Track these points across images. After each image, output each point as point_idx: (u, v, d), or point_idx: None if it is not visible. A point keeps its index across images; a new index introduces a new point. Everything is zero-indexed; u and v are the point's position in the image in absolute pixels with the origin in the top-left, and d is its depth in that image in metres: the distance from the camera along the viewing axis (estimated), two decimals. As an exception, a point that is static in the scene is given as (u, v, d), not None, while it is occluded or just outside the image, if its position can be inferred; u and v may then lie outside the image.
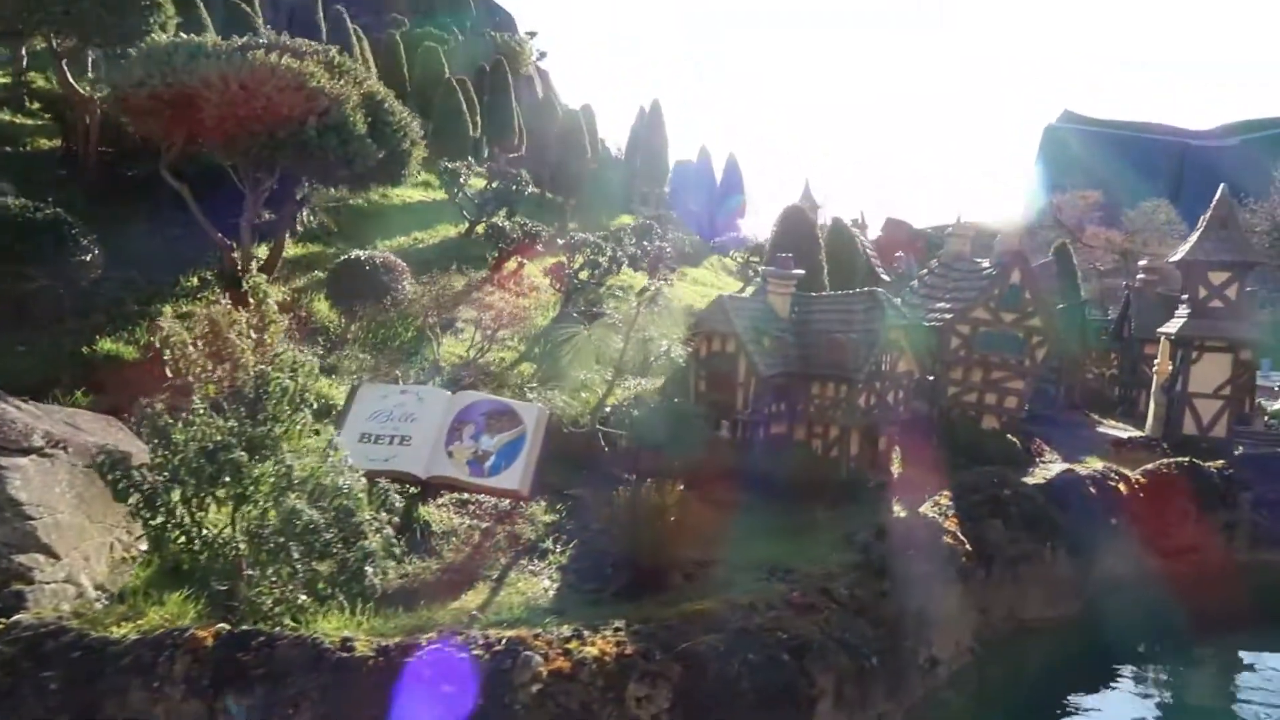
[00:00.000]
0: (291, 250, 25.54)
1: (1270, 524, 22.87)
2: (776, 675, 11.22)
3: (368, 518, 9.96)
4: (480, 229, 30.12)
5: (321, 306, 21.74)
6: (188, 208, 19.58)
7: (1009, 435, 24.67)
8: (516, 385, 20.98)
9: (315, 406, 13.10)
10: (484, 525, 15.08)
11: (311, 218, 25.63)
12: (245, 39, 19.98)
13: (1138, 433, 28.91)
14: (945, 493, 18.10)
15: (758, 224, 66.23)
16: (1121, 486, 20.98)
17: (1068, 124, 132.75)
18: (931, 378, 22.25)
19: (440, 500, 15.58)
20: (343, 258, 21.45)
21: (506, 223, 29.30)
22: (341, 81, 18.80)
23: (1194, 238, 27.25)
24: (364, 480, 11.03)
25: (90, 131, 22.47)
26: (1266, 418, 34.69)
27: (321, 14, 47.13)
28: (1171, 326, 27.38)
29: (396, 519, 11.39)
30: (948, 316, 23.98)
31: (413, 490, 15.38)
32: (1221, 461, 23.80)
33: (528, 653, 9.91)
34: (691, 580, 13.81)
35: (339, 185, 20.95)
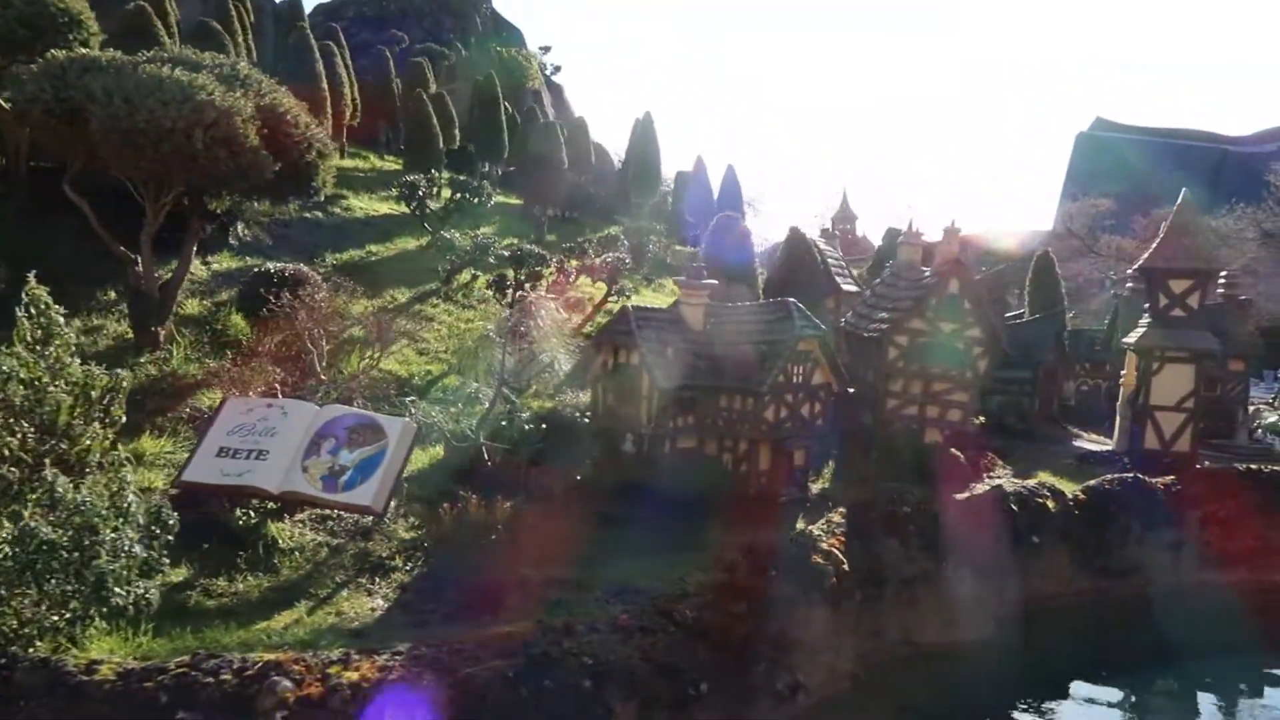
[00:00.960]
0: (229, 264, 25.61)
1: (1222, 543, 21.75)
2: (568, 703, 10.71)
3: (110, 536, 9.64)
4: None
5: (239, 320, 21.63)
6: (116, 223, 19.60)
7: (953, 449, 23.86)
8: (437, 398, 20.78)
9: (118, 422, 12.88)
10: (336, 542, 14.77)
11: (246, 231, 25.61)
12: (153, 52, 20.02)
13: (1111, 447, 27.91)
14: (840, 510, 17.39)
15: (771, 232, 65.76)
16: (1050, 504, 20.06)
17: (1100, 131, 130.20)
18: (851, 390, 21.48)
19: (300, 516, 15.30)
20: (254, 270, 21.31)
21: (456, 234, 29.10)
22: (238, 94, 18.68)
23: (1155, 244, 26.20)
24: (135, 498, 10.72)
25: (20, 147, 22.65)
26: (1259, 429, 33.36)
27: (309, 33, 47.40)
28: (1133, 336, 26.33)
29: (169, 536, 11.02)
30: (884, 327, 23.28)
31: (271, 506, 15.18)
32: (1171, 478, 22.69)
33: (276, 678, 9.52)
34: (532, 600, 13.36)
35: (238, 197, 20.75)
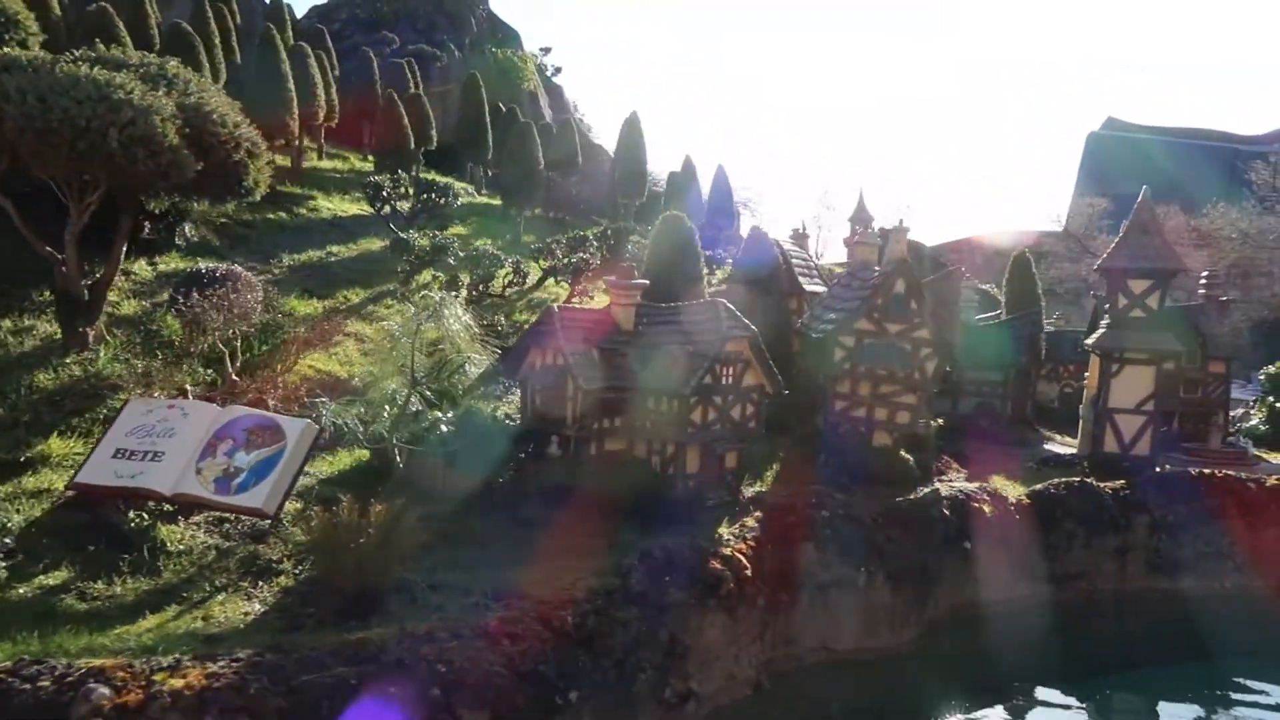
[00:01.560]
0: (178, 264, 25.55)
1: (1170, 549, 21.24)
2: (414, 712, 10.45)
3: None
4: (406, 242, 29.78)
5: (172, 321, 21.53)
6: (51, 223, 19.57)
7: (902, 452, 23.46)
8: (372, 399, 20.60)
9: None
10: (228, 545, 14.58)
11: (193, 231, 25.54)
12: (80, 52, 19.96)
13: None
14: (757, 514, 17.05)
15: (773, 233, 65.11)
16: (986, 508, 19.63)
17: (1112, 130, 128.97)
18: (787, 392, 21.09)
19: (196, 519, 15.14)
20: (187, 271, 21.22)
21: (415, 234, 28.96)
22: (160, 92, 18.58)
23: (1115, 243, 25.67)
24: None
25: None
26: (1238, 432, 32.67)
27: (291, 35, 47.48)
28: (1093, 337, 25.81)
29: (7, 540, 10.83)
30: (828, 328, 22.92)
31: (168, 508, 15.05)
32: (1121, 482, 22.17)
33: (93, 685, 9.32)
34: (411, 605, 13.13)
35: (177, 197, 20.65)
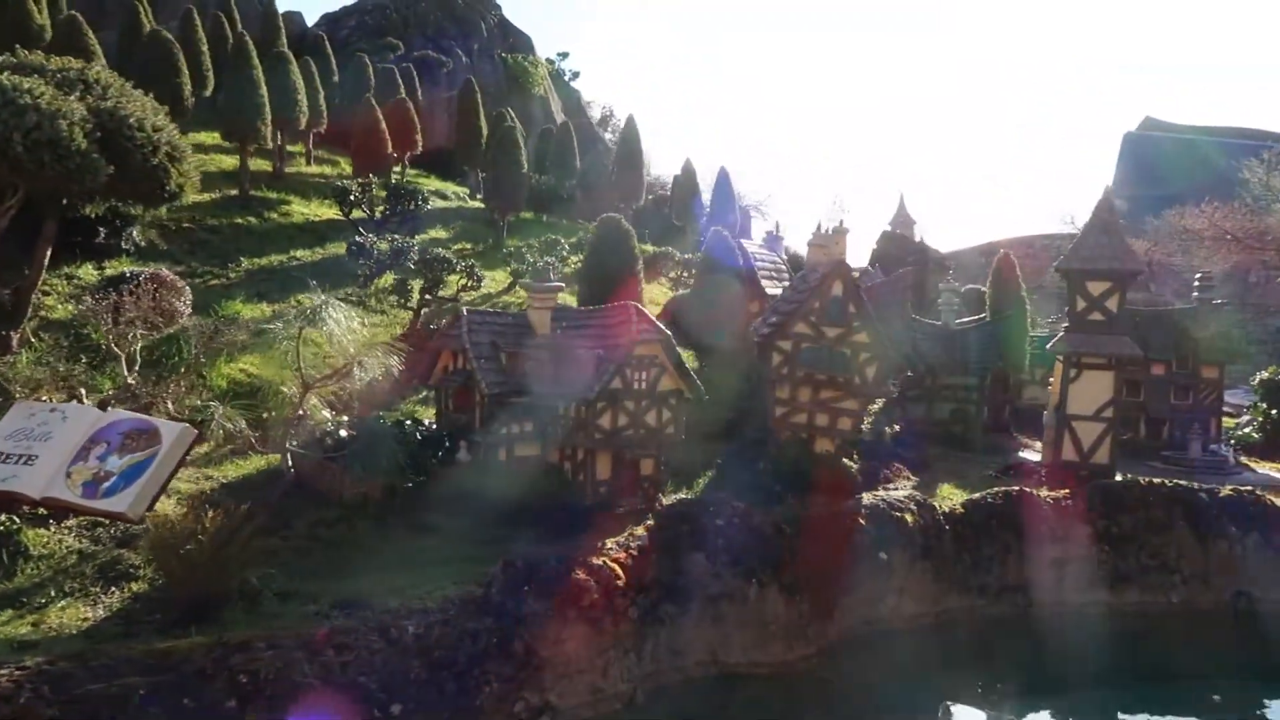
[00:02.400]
0: (127, 268, 25.70)
1: (1113, 562, 20.35)
2: (201, 724, 10.22)
3: None
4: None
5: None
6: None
7: (846, 459, 22.84)
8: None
9: None
10: (94, 549, 14.52)
11: (140, 236, 25.67)
12: (3, 58, 20.14)
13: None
14: (648, 521, 16.61)
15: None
16: (909, 518, 18.95)
17: (1150, 130, 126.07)
18: (707, 398, 20.60)
19: (70, 523, 15.10)
20: (108, 275, 21.32)
21: (372, 237, 28.92)
22: (72, 98, 18.67)
23: (1073, 243, 24.77)
24: None
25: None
26: (1230, 440, 31.35)
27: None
28: (1053, 341, 24.94)
29: None
30: (766, 331, 22.38)
31: (41, 512, 15.00)
32: (1065, 491, 21.32)
33: None
34: (250, 613, 12.93)
35: (90, 201, 20.77)
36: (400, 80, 45.90)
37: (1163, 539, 20.52)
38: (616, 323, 18.97)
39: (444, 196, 44.85)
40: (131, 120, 19.53)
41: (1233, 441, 30.53)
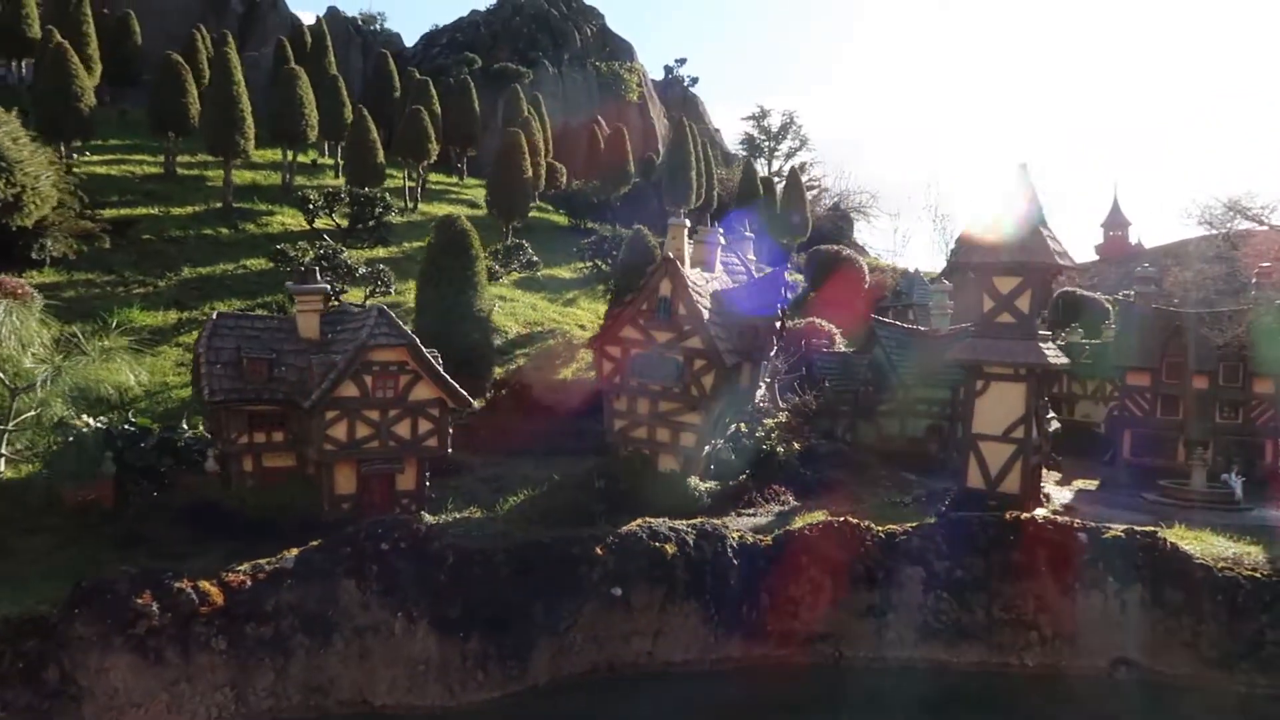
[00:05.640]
0: (52, 278, 26.79)
1: (952, 612, 16.83)
2: None
3: None
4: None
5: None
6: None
7: (690, 479, 20.30)
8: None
9: None
10: None
11: (54, 246, 26.59)
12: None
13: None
14: (314, 542, 15.10)
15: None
16: (669, 548, 16.36)
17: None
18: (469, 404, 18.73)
19: None
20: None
21: (288, 247, 28.78)
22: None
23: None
24: None
25: None
26: (1230, 472, 25.59)
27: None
28: (955, 348, 21.17)
29: None
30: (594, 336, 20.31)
31: None
32: (910, 525, 17.88)
33: None
34: None
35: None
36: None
37: (1018, 588, 16.79)
38: (356, 326, 17.59)
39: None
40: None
41: (1239, 474, 25.02)
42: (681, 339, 19.72)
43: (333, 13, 62.03)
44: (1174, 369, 28.57)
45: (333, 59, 47.18)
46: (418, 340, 17.54)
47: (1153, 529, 17.56)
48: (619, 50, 71.16)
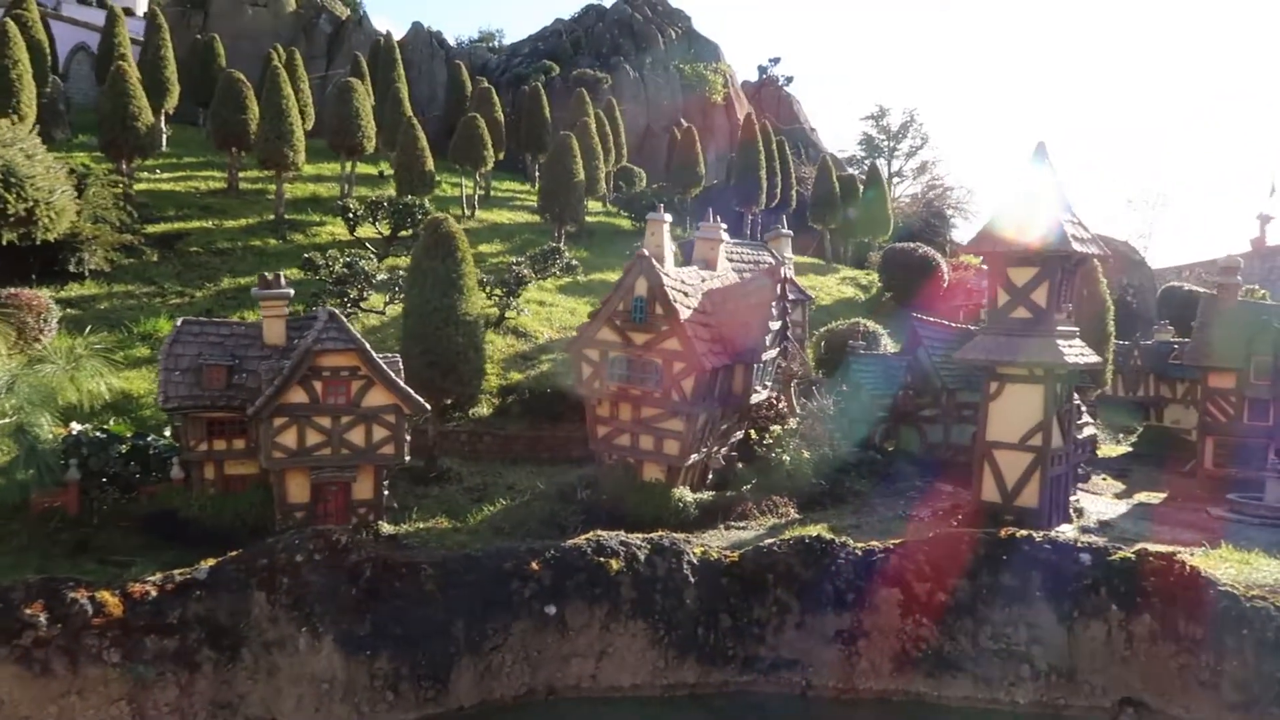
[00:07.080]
0: (92, 290, 27.61)
1: (936, 641, 15.09)
2: None
3: None
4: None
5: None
6: None
7: (676, 490, 19.08)
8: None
9: None
10: None
11: (90, 260, 27.35)
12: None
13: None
14: (235, 552, 14.61)
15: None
16: (615, 564, 15.23)
17: None
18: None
19: None
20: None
21: (317, 255, 28.78)
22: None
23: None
24: None
25: None
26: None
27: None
28: (965, 347, 19.24)
29: None
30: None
31: None
32: (879, 544, 16.17)
33: None
34: None
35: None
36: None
37: (1008, 615, 14.94)
38: (310, 330, 17.12)
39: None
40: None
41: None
42: (659, 340, 18.58)
43: (416, 28, 63.20)
44: (1262, 369, 25.58)
45: (401, 72, 47.55)
46: (368, 345, 16.97)
47: (1176, 549, 15.39)
48: (704, 51, 69.89)
